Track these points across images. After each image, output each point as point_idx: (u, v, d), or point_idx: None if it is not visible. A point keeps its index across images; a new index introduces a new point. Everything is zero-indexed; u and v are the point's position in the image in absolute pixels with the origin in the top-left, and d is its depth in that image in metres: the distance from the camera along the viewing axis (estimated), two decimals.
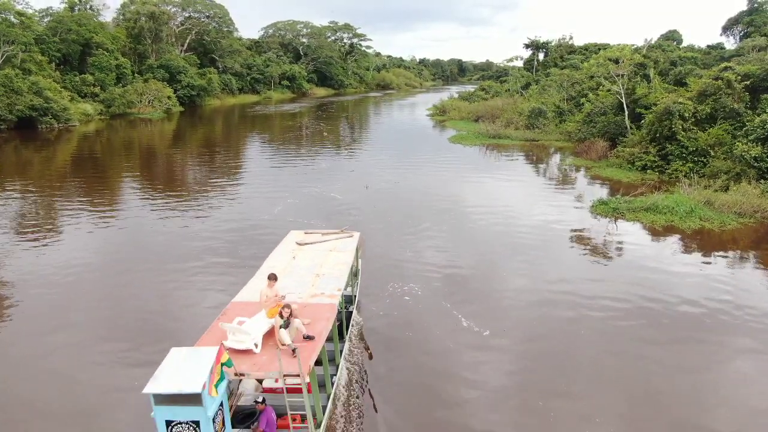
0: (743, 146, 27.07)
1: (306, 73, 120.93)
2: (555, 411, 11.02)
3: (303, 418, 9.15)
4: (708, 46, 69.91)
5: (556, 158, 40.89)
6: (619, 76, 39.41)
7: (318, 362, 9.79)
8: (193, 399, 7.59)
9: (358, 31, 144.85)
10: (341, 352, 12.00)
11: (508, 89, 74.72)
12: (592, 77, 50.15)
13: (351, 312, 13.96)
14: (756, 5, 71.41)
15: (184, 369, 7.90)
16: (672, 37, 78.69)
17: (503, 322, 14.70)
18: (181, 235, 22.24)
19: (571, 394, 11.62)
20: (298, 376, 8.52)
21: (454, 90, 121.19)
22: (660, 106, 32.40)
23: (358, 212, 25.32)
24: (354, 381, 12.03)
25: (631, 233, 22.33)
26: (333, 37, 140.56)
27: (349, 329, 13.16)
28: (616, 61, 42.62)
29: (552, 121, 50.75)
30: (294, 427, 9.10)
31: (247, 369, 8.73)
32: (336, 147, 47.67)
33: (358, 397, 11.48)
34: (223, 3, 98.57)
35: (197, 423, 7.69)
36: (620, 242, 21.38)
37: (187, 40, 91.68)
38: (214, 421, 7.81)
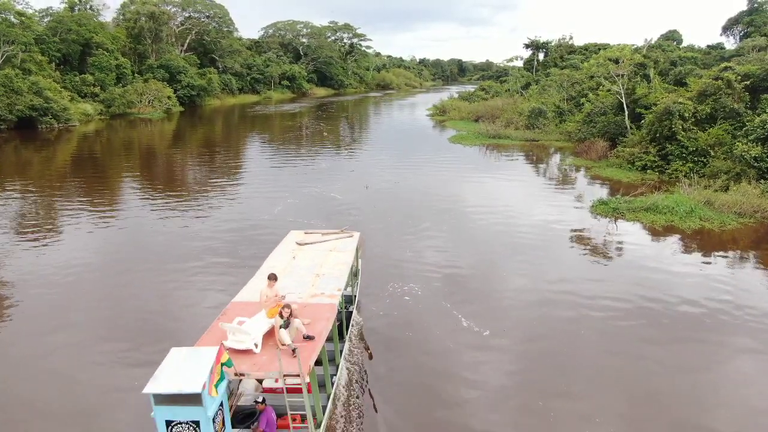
0: (743, 146, 27.07)
1: (306, 73, 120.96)
2: (555, 411, 11.02)
3: (303, 418, 9.15)
4: (708, 46, 69.92)
5: (556, 158, 40.88)
6: (619, 76, 39.40)
7: (318, 362, 9.79)
8: (193, 399, 7.59)
9: (358, 31, 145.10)
10: (341, 352, 12.00)
11: (508, 89, 74.71)
12: (592, 77, 50.15)
13: (351, 312, 13.97)
14: (756, 5, 71.41)
15: (184, 369, 7.90)
16: (672, 37, 78.68)
17: (503, 322, 14.70)
18: (181, 235, 22.24)
19: (571, 394, 11.61)
20: (298, 376, 8.52)
21: (454, 90, 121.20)
22: (660, 106, 32.40)
23: (358, 212, 25.32)
24: (354, 381, 12.03)
25: (631, 233, 22.33)
26: (333, 37, 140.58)
27: (349, 329, 13.16)
28: (616, 61, 42.62)
29: (552, 121, 50.74)
30: (294, 427, 9.09)
31: (247, 369, 8.73)
32: (336, 147, 47.67)
33: (358, 397, 11.48)
34: (223, 3, 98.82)
35: (197, 423, 7.68)
36: (620, 242, 21.38)
37: (187, 40, 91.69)
38: (214, 421, 7.81)
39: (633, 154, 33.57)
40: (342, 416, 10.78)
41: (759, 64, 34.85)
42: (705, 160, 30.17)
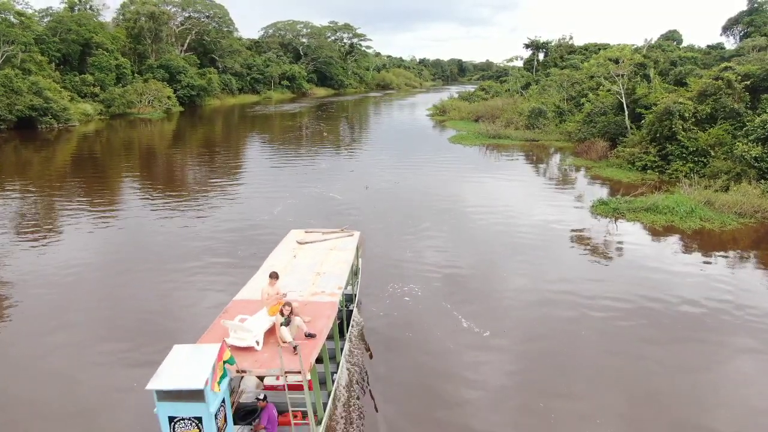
0: (743, 146, 27.08)
1: (306, 73, 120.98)
2: (555, 411, 11.02)
3: (304, 415, 9.18)
4: (708, 46, 69.96)
5: (556, 158, 40.89)
6: (619, 76, 39.42)
7: (319, 360, 9.81)
8: (196, 395, 7.63)
9: (358, 31, 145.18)
10: (342, 349, 12.02)
11: (508, 89, 74.73)
12: (592, 77, 50.18)
13: (351, 310, 13.98)
14: (756, 5, 71.45)
15: (186, 366, 7.93)
16: (672, 37, 78.72)
17: (503, 323, 14.70)
18: (180, 235, 22.23)
19: (571, 395, 11.61)
20: (299, 373, 8.53)
21: (454, 90, 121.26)
22: (660, 106, 32.42)
23: (358, 212, 25.32)
24: (354, 381, 12.03)
25: (631, 233, 22.33)
26: (333, 37, 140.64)
27: (350, 328, 13.17)
28: (616, 61, 42.65)
29: (552, 121, 50.76)
30: (295, 424, 9.13)
31: (249, 366, 8.75)
32: (336, 147, 47.67)
33: (358, 398, 11.47)
34: (223, 3, 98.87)
35: (200, 419, 7.73)
36: (620, 242, 21.38)
37: (187, 40, 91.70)
38: (216, 418, 7.85)
39: (633, 154, 33.57)
40: (342, 416, 10.77)
41: (759, 64, 34.86)
42: (705, 160, 30.18)
